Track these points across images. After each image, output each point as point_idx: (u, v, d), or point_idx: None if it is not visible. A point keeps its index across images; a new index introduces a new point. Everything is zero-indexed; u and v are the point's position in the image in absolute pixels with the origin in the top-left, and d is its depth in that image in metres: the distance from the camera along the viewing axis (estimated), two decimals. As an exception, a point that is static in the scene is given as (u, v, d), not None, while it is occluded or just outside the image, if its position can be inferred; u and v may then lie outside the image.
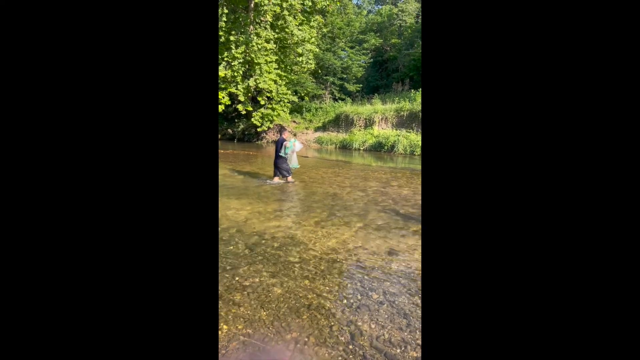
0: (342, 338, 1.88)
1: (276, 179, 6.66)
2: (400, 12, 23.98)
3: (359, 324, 2.02)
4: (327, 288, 2.46)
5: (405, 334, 1.93)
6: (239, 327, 1.96)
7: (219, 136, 18.09)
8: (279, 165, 6.55)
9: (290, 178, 6.65)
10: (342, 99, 20.58)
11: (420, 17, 22.73)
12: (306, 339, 1.86)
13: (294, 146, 6.61)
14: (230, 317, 2.05)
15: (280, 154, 6.45)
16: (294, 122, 18.45)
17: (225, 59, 13.96)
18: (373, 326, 2.00)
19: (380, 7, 27.26)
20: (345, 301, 2.29)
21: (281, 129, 6.79)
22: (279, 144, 6.47)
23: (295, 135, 5.97)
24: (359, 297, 2.34)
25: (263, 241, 3.41)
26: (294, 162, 6.70)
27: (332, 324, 2.02)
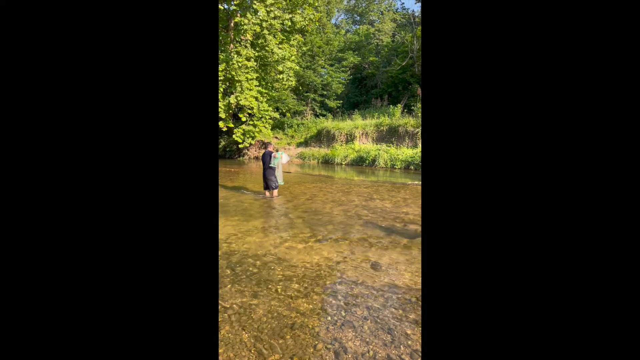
0: (327, 357, 1.84)
1: (267, 193, 6.70)
2: (377, 32, 24.95)
3: (344, 341, 1.99)
4: (311, 306, 2.42)
5: (390, 349, 1.92)
6: (219, 351, 1.88)
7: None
8: (268, 178, 6.58)
9: (275, 192, 6.66)
10: (323, 115, 20.88)
11: (395, 36, 23.70)
12: (289, 361, 1.81)
13: (281, 157, 6.72)
14: (210, 341, 1.97)
15: (271, 165, 6.52)
16: (276, 138, 18.50)
17: (206, 76, 13.93)
18: (357, 343, 1.98)
19: (358, 27, 28.29)
20: (329, 318, 2.26)
21: (266, 144, 6.91)
22: (267, 157, 6.52)
23: (277, 150, 6.06)
24: (343, 314, 2.31)
25: (245, 259, 3.34)
26: (279, 179, 6.75)
27: (316, 343, 1.97)
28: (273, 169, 6.54)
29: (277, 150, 6.92)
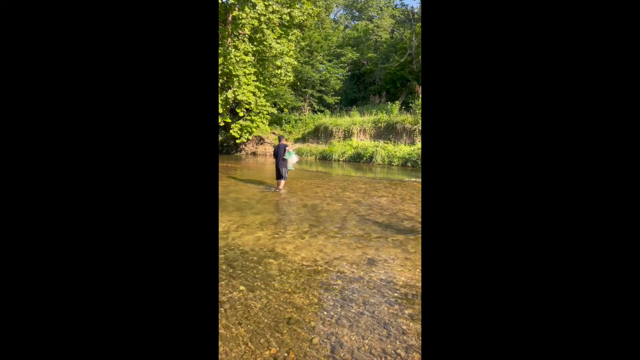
0: (323, 351, 1.85)
1: (282, 183, 6.96)
2: (375, 28, 24.81)
3: (340, 336, 2.00)
4: (307, 301, 2.43)
5: (386, 344, 1.93)
6: (216, 345, 1.89)
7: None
8: (280, 169, 6.88)
9: (282, 183, 6.92)
10: (321, 111, 20.81)
11: (394, 32, 23.61)
12: (286, 354, 1.82)
13: (293, 154, 7.09)
14: (206, 335, 1.97)
15: (285, 157, 6.83)
16: (274, 133, 18.44)
17: (203, 70, 13.83)
18: (354, 338, 1.99)
19: (357, 22, 28.11)
20: (325, 313, 2.27)
21: (280, 137, 7.18)
22: (281, 149, 6.80)
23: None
24: (339, 309, 2.32)
25: (242, 254, 3.34)
26: (289, 164, 7.10)
27: (313, 337, 1.99)
28: (286, 160, 6.86)
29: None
